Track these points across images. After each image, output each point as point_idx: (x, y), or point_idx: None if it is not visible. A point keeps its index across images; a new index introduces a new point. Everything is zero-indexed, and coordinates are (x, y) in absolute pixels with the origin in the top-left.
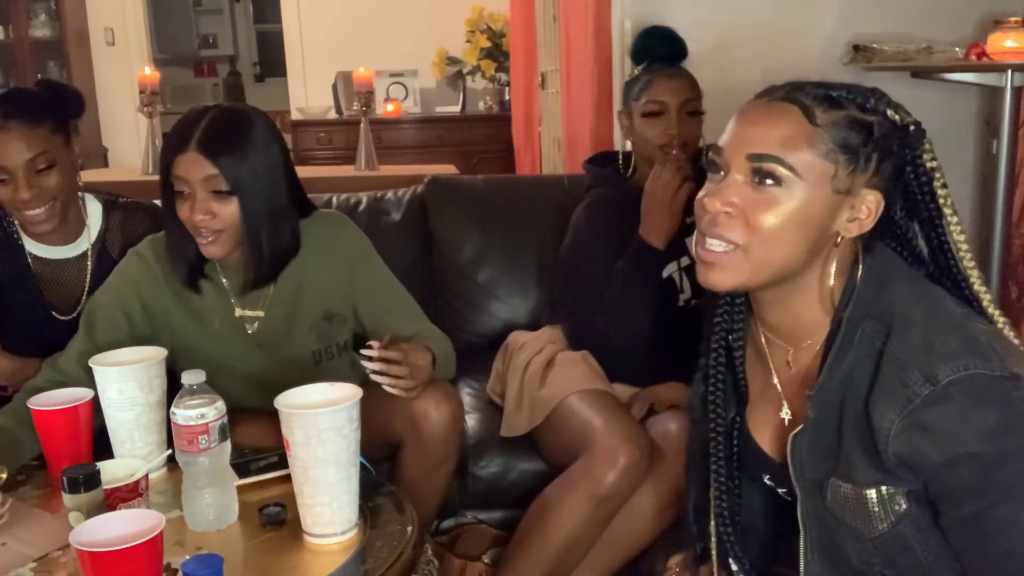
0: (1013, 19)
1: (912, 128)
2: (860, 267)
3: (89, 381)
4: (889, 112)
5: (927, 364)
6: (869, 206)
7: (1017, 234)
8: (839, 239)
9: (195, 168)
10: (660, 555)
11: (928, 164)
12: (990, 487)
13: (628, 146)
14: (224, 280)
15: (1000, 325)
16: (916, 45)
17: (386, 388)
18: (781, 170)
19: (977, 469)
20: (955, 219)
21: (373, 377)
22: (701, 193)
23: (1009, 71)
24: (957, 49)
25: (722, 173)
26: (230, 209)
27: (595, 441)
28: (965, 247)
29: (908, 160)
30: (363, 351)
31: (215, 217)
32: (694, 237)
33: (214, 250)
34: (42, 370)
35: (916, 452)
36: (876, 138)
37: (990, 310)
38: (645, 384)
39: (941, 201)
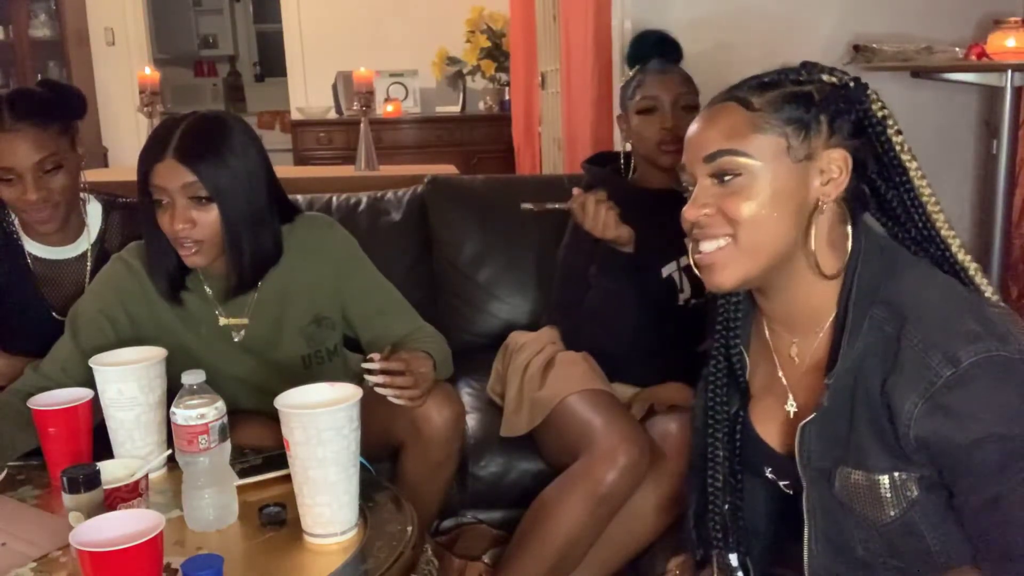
0: (1013, 19)
1: (852, 83)
2: (853, 247)
3: (72, 386)
4: (825, 76)
5: (948, 346)
6: (838, 164)
7: (1017, 234)
8: (820, 205)
9: (173, 176)
10: (660, 556)
11: (879, 113)
12: (1011, 470)
13: (629, 147)
14: (207, 289)
15: (972, 271)
16: (916, 45)
17: (392, 400)
18: (736, 160)
19: (1000, 451)
20: (914, 164)
21: (378, 390)
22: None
23: (1009, 71)
24: (957, 49)
25: (692, 187)
26: (210, 216)
27: (595, 441)
28: (928, 191)
29: (860, 113)
30: (364, 364)
31: (195, 226)
32: (689, 249)
33: (197, 260)
34: (25, 373)
35: (938, 435)
36: (818, 101)
37: (960, 255)
38: (645, 384)
39: (898, 148)
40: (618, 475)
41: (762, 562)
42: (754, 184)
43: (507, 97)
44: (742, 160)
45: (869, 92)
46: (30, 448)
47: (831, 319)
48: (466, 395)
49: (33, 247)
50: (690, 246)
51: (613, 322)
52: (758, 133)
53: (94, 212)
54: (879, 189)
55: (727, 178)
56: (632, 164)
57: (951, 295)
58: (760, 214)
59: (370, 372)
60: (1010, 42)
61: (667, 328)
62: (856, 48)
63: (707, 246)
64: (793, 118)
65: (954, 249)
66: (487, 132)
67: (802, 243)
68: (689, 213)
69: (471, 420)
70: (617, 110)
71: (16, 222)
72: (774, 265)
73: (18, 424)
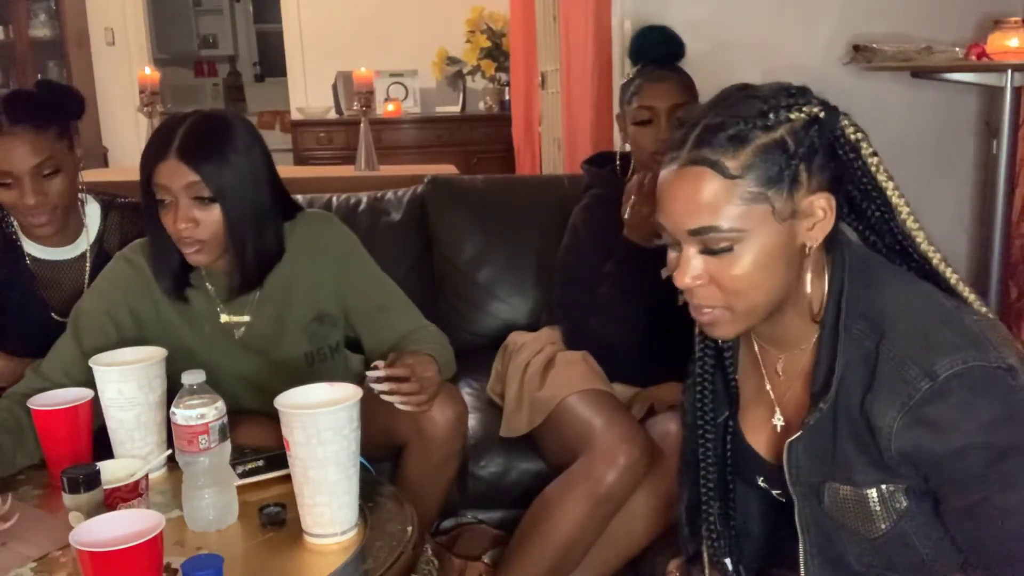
0: (1013, 19)
1: (823, 115)
2: (834, 267)
3: (72, 387)
4: (793, 115)
5: (925, 359)
6: (822, 209)
7: (1017, 234)
8: (808, 249)
9: (177, 176)
10: (659, 556)
11: (852, 136)
12: (992, 477)
13: (628, 147)
14: (210, 286)
15: (953, 281)
16: (916, 45)
17: (399, 407)
18: (723, 235)
19: (980, 460)
20: (891, 184)
21: (384, 397)
22: (668, 268)
23: (1009, 71)
24: (957, 49)
25: (675, 248)
26: (213, 216)
27: (595, 441)
28: (907, 210)
29: (833, 141)
30: (370, 372)
31: (199, 225)
32: (683, 299)
33: (200, 258)
34: (26, 375)
35: (919, 447)
36: (793, 150)
37: (941, 268)
38: (645, 384)
39: (873, 170)
40: (618, 475)
41: (756, 563)
42: (745, 253)
43: (507, 97)
44: (729, 235)
45: (841, 117)
46: (30, 463)
47: (816, 336)
48: (466, 395)
49: (32, 248)
50: (684, 297)
51: (625, 314)
52: (740, 201)
53: (92, 212)
54: (855, 199)
55: (716, 251)
56: (631, 165)
57: (929, 304)
58: (753, 278)
59: (376, 379)
60: (1010, 42)
61: (666, 329)
62: (856, 48)
63: (704, 309)
64: (773, 177)
65: (935, 263)
66: (487, 132)
67: (795, 285)
68: (679, 281)
69: (471, 420)
70: (617, 109)
71: (15, 223)
72: (771, 313)
73: (18, 439)
